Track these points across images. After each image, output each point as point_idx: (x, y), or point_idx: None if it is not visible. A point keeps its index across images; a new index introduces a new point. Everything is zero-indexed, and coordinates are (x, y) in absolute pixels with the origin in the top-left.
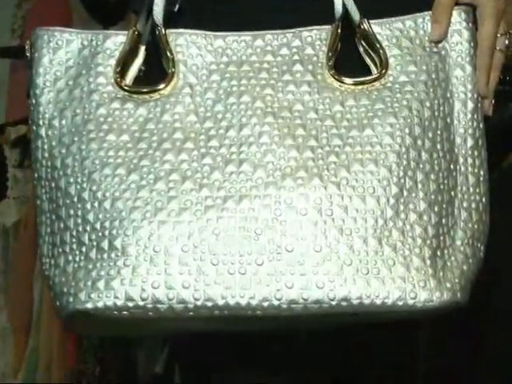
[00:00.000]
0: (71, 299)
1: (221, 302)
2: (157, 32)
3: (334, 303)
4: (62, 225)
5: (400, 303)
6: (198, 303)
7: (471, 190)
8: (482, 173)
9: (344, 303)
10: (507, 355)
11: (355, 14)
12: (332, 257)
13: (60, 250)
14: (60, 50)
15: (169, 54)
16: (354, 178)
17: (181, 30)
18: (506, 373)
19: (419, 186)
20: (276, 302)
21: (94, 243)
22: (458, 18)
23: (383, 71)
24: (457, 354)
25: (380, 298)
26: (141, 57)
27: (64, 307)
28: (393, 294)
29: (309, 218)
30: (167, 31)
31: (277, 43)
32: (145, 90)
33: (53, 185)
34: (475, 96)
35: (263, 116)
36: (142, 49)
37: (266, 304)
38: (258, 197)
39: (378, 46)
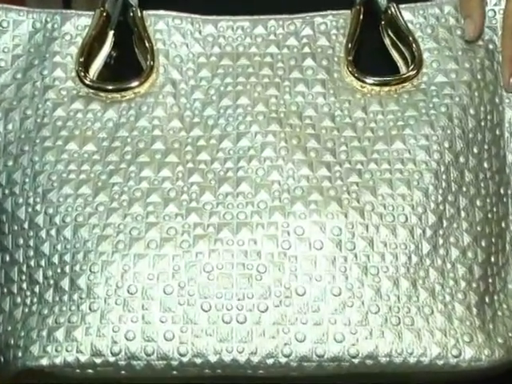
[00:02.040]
0: (20, 354)
1: (213, 359)
2: (131, 14)
3: (356, 361)
4: (7, 257)
5: (440, 362)
6: (184, 360)
7: None
8: None
9: (369, 361)
10: None
11: None
12: (354, 302)
13: (5, 289)
14: (5, 34)
15: (147, 42)
16: (381, 203)
17: (161, 12)
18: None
19: (462, 214)
20: (283, 360)
21: (51, 282)
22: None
23: (416, 70)
24: None
25: (414, 356)
26: (108, 44)
27: (10, 363)
28: (431, 350)
29: (325, 254)
30: (144, 13)
31: (282, 31)
32: (115, 88)
33: None
34: None
35: (266, 123)
36: (111, 34)
37: (270, 361)
38: (260, 225)
39: (410, 38)
